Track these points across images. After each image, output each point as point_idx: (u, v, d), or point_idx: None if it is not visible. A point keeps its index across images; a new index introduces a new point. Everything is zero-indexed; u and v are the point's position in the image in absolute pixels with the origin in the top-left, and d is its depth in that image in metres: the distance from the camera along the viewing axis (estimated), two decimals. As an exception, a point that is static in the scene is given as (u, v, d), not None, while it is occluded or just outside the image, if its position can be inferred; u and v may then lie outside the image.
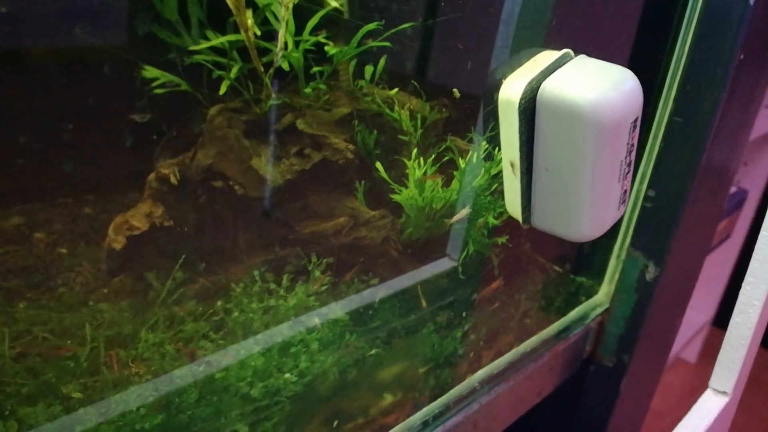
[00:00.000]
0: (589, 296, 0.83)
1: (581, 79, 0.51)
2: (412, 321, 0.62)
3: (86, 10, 0.66)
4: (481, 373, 0.67)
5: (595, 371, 0.87)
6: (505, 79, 0.53)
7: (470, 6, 0.81)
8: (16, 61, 0.65)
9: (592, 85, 0.51)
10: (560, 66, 0.53)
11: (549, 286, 0.79)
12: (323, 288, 0.55)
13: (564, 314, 0.79)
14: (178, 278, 0.60)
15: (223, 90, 0.66)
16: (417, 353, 0.61)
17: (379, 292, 0.62)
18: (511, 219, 0.61)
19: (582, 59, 0.54)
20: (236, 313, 0.50)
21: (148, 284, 0.60)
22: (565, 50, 0.54)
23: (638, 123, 0.53)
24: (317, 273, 0.56)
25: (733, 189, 1.67)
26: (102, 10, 0.69)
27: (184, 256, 0.59)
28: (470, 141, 0.69)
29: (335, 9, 0.78)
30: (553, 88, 0.51)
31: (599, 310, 0.84)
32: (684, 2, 0.71)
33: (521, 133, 0.53)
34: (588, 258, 0.84)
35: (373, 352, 0.56)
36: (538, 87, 0.52)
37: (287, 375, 0.47)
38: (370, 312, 0.60)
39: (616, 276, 0.83)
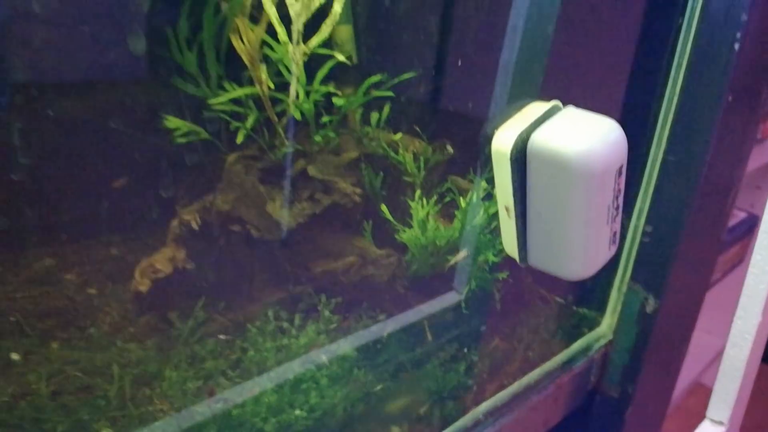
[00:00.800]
0: (591, 328, 0.86)
1: (568, 131, 0.55)
2: (418, 355, 0.66)
3: (114, 61, 0.72)
4: (485, 405, 0.70)
5: (600, 402, 0.90)
6: (497, 129, 0.57)
7: (470, 53, 0.86)
8: (47, 111, 0.71)
9: (579, 137, 0.54)
10: (549, 118, 0.57)
11: (551, 318, 0.82)
12: (332, 326, 0.59)
13: (567, 346, 0.82)
14: (199, 318, 0.65)
15: (240, 139, 0.72)
16: (423, 386, 0.65)
17: (386, 327, 0.65)
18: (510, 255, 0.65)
19: (570, 110, 0.58)
20: (251, 352, 0.54)
21: (171, 324, 0.65)
22: (553, 102, 0.58)
23: (623, 170, 0.56)
24: (326, 312, 0.60)
25: (743, 215, 1.69)
26: (131, 63, 0.74)
27: (204, 297, 0.63)
28: (471, 181, 0.74)
29: (346, 54, 0.84)
30: (542, 140, 0.55)
31: (603, 342, 0.87)
32: (672, 47, 0.75)
33: (514, 181, 0.57)
34: (590, 290, 0.87)
35: (380, 386, 0.60)
36: (528, 138, 0.56)
37: (298, 411, 0.51)
38: (378, 347, 0.64)
39: (618, 308, 0.86)
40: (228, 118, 0.72)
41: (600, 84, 0.79)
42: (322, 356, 0.53)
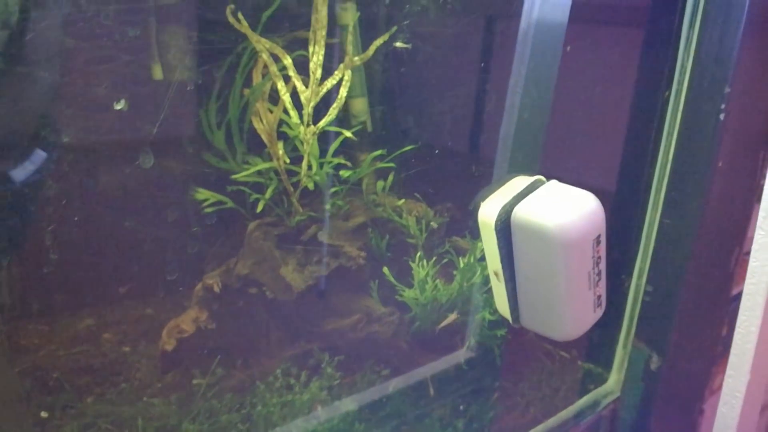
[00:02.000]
0: (597, 384, 0.88)
1: (548, 204, 0.60)
2: (419, 410, 0.70)
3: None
4: (487, 459, 0.73)
5: (612, 457, 0.91)
6: (483, 201, 0.63)
7: (473, 124, 0.93)
8: (91, 182, 0.79)
9: (558, 210, 0.59)
10: (532, 191, 0.62)
11: (556, 373, 0.85)
12: (335, 383, 0.64)
13: (573, 401, 0.85)
14: (218, 374, 0.71)
15: (260, 209, 0.79)
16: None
17: (388, 383, 0.70)
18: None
19: (552, 184, 0.63)
20: (259, 407, 0.60)
21: (191, 380, 0.71)
22: (536, 176, 0.64)
23: (602, 239, 0.61)
24: (329, 370, 0.65)
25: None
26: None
27: (223, 354, 0.70)
28: (470, 241, 0.79)
29: (361, 123, 0.92)
30: (524, 212, 0.60)
31: (610, 398, 0.89)
32: (662, 119, 0.79)
33: (500, 249, 0.62)
34: (596, 346, 0.90)
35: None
36: (512, 210, 0.61)
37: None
38: (381, 402, 0.69)
39: (625, 365, 0.88)
40: (247, 190, 0.80)
41: (597, 155, 0.83)
42: (323, 412, 0.58)
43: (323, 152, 0.82)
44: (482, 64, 0.94)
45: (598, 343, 0.90)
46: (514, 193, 0.63)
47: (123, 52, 0.84)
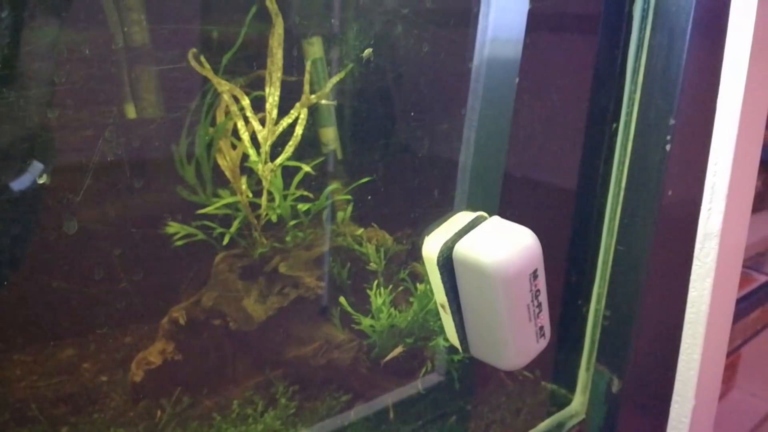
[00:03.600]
0: (561, 406, 0.91)
1: (487, 241, 0.63)
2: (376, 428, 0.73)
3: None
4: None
5: (579, 477, 0.93)
6: (427, 235, 0.66)
7: (434, 151, 0.95)
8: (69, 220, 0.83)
9: (496, 248, 0.62)
10: (473, 228, 0.65)
11: (518, 395, 0.87)
12: (291, 412, 0.67)
13: (534, 425, 0.87)
14: (184, 403, 0.75)
15: (225, 242, 0.83)
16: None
17: (348, 407, 0.73)
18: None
19: (493, 221, 0.66)
20: (215, 438, 0.63)
21: (163, 409, 0.75)
22: (479, 213, 0.67)
23: (539, 273, 0.63)
24: (283, 400, 0.68)
25: (765, 278, 1.67)
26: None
27: (186, 386, 0.73)
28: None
29: (331, 151, 0.95)
30: (464, 249, 0.63)
31: (575, 420, 0.91)
32: (612, 150, 0.82)
33: (444, 283, 0.65)
34: (560, 368, 0.92)
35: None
36: (453, 246, 0.64)
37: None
38: (340, 427, 0.72)
39: (588, 387, 0.90)
40: (214, 225, 0.83)
41: (553, 184, 0.86)
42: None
43: (289, 185, 0.86)
44: (445, 96, 0.97)
45: (561, 365, 0.92)
46: (457, 229, 0.66)
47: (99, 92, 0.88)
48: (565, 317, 0.92)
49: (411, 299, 0.80)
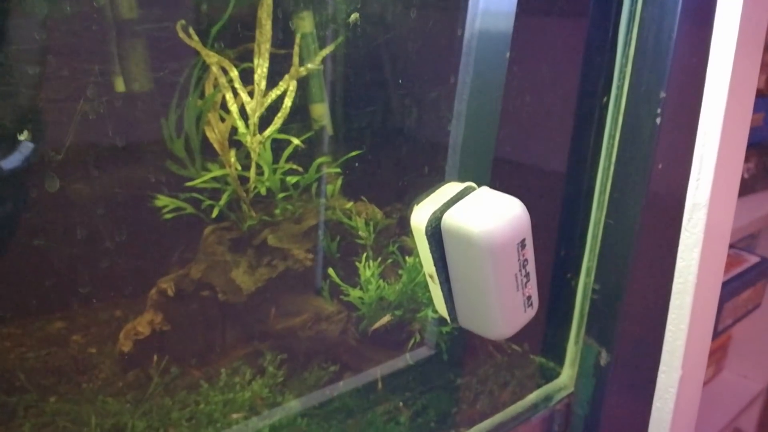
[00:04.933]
0: (550, 379, 0.91)
1: (475, 211, 0.63)
2: (363, 405, 0.74)
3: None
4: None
5: (567, 450, 0.94)
6: (416, 206, 0.66)
7: (426, 125, 0.95)
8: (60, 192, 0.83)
9: (483, 217, 0.62)
10: (462, 197, 0.65)
11: (507, 368, 0.88)
12: (279, 380, 0.67)
13: (522, 397, 0.88)
14: (173, 373, 0.75)
15: (214, 214, 0.82)
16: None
17: (337, 378, 0.73)
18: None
19: (481, 191, 0.66)
20: (202, 405, 0.64)
21: (151, 379, 0.75)
22: (467, 183, 0.66)
23: (527, 242, 0.64)
24: (271, 368, 0.68)
25: (757, 259, 1.68)
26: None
27: (174, 356, 0.73)
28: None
29: (322, 127, 0.95)
30: (452, 219, 0.63)
31: (564, 393, 0.92)
32: (602, 123, 0.82)
33: (432, 253, 0.65)
34: (548, 341, 0.92)
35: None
36: (441, 216, 0.64)
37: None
38: (327, 397, 0.72)
39: (577, 361, 0.91)
40: (203, 197, 0.83)
41: (543, 158, 0.86)
42: (266, 408, 0.61)
43: (278, 159, 0.85)
44: (437, 68, 0.97)
45: (550, 338, 0.93)
46: (445, 199, 0.66)
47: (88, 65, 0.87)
48: (555, 291, 0.92)
49: (400, 272, 0.80)
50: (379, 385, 0.77)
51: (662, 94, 0.76)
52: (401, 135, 0.94)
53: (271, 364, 0.70)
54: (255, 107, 0.78)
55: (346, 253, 0.84)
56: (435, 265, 0.67)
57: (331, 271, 0.77)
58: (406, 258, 0.82)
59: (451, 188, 0.68)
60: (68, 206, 0.86)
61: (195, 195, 0.83)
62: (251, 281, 0.76)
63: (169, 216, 0.83)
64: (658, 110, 0.77)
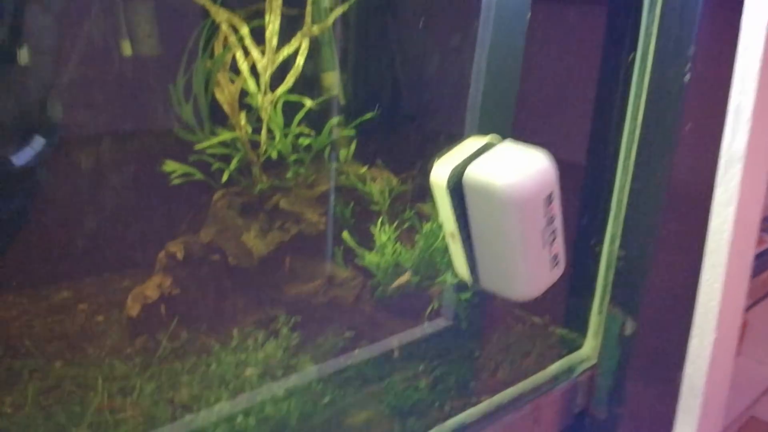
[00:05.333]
0: (572, 350, 0.88)
1: (499, 164, 0.60)
2: (384, 371, 0.71)
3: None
4: (452, 422, 0.74)
5: (589, 423, 0.91)
6: (436, 162, 0.63)
7: (443, 90, 0.92)
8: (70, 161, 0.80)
9: (507, 170, 0.59)
10: (485, 152, 0.62)
11: (527, 339, 0.85)
12: (293, 343, 0.65)
13: (544, 367, 0.85)
14: (183, 338, 0.72)
15: (224, 178, 0.80)
16: (384, 402, 0.69)
17: (352, 345, 0.71)
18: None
19: (505, 144, 0.63)
20: (214, 366, 0.61)
21: (159, 344, 0.72)
22: (490, 136, 0.63)
23: (554, 197, 0.60)
24: (285, 330, 0.66)
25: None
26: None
27: (184, 320, 0.70)
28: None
29: (333, 96, 0.92)
30: (474, 173, 0.60)
31: (587, 365, 0.88)
32: (628, 82, 0.78)
33: (454, 210, 0.62)
34: (570, 311, 0.89)
35: (329, 398, 0.64)
36: (463, 171, 0.61)
37: (250, 419, 0.57)
38: (342, 364, 0.69)
39: (601, 331, 0.88)
40: (212, 160, 0.80)
41: (565, 121, 0.83)
42: (280, 371, 0.59)
43: (290, 123, 0.83)
44: (454, 30, 0.94)
45: (572, 308, 0.90)
46: (467, 154, 0.63)
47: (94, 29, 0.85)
48: (578, 258, 0.89)
49: (417, 236, 0.77)
50: (396, 353, 0.74)
51: (691, 49, 0.73)
52: (417, 97, 0.91)
53: (284, 325, 0.68)
54: (266, 65, 0.75)
55: (360, 219, 0.81)
56: (456, 222, 0.64)
57: (345, 234, 0.74)
58: (423, 224, 0.79)
59: (472, 143, 0.64)
60: (74, 174, 0.83)
61: (206, 159, 0.81)
62: (263, 245, 0.73)
63: (177, 182, 0.81)
64: (687, 67, 0.74)
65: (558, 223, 0.63)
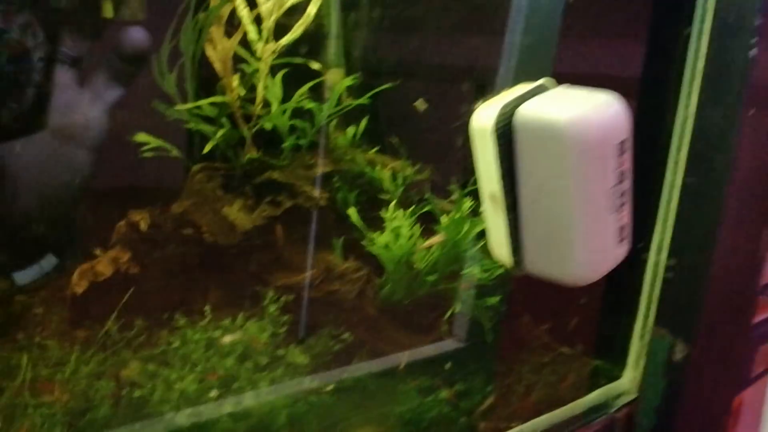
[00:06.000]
0: (608, 381, 0.74)
1: (560, 102, 0.48)
2: (386, 385, 0.55)
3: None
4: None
5: (628, 476, 0.75)
6: (478, 108, 0.51)
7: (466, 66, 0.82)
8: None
9: (571, 106, 0.47)
10: (537, 94, 0.50)
11: (553, 367, 0.70)
12: (281, 330, 0.49)
13: (573, 400, 0.70)
14: (138, 326, 0.56)
15: (207, 149, 0.66)
16: (393, 412, 0.53)
17: (348, 352, 0.55)
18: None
19: (565, 88, 0.51)
20: (177, 344, 0.45)
21: (108, 335, 0.56)
22: (544, 78, 0.52)
23: (627, 146, 0.48)
24: (272, 309, 0.50)
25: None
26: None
27: (140, 303, 0.55)
28: (452, 202, 0.65)
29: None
30: (529, 111, 0.48)
31: (625, 399, 0.74)
32: (682, 60, 0.69)
33: (500, 161, 0.50)
34: (604, 337, 0.75)
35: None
36: (513, 112, 0.48)
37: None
38: (340, 369, 0.53)
39: (642, 360, 0.74)
40: (196, 129, 0.67)
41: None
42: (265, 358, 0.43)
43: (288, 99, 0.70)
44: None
45: (608, 333, 0.76)
46: (516, 96, 0.51)
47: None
48: (615, 271, 0.76)
49: (437, 228, 0.63)
50: (402, 365, 0.59)
51: (758, 21, 0.64)
52: (436, 85, 0.80)
53: (272, 302, 0.52)
54: (271, 8, 0.64)
55: (365, 208, 0.68)
56: (501, 180, 0.51)
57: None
58: (444, 216, 0.66)
59: (521, 88, 0.53)
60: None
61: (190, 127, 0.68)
62: (248, 219, 0.59)
63: (149, 154, 0.67)
64: (753, 40, 0.64)
65: (628, 184, 0.50)
